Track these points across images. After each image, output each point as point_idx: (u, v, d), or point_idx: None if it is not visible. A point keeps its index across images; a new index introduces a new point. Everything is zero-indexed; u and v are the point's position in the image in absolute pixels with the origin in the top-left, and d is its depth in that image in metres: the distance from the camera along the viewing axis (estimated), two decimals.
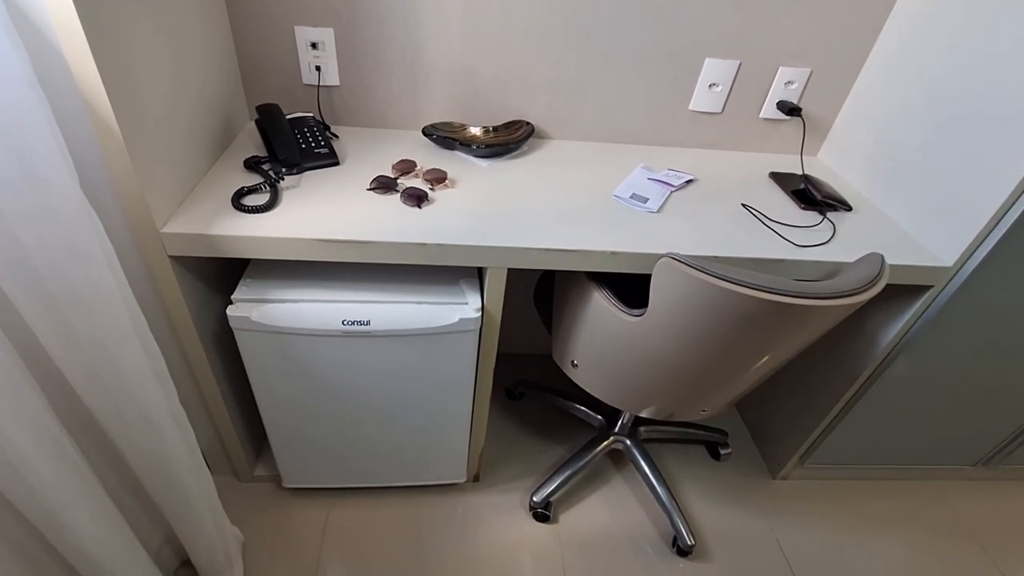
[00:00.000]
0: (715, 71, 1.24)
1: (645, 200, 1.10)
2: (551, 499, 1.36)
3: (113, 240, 0.85)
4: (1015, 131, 0.91)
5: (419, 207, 1.00)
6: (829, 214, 1.13)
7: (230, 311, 0.96)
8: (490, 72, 1.22)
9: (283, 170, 1.05)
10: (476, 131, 1.25)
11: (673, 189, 1.15)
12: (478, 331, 1.04)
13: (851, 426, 1.35)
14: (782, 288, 0.80)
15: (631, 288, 1.19)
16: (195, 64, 0.97)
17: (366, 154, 1.16)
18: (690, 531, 1.32)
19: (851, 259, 1.00)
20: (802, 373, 1.41)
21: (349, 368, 1.05)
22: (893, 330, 1.15)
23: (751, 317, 0.83)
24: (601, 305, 1.00)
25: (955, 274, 1.05)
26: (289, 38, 1.14)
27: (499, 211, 1.02)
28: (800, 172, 1.29)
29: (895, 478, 1.57)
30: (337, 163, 1.11)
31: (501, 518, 1.35)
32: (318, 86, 1.21)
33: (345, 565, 1.23)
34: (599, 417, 1.51)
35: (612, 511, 1.40)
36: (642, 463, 1.40)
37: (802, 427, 1.41)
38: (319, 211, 0.96)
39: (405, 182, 1.07)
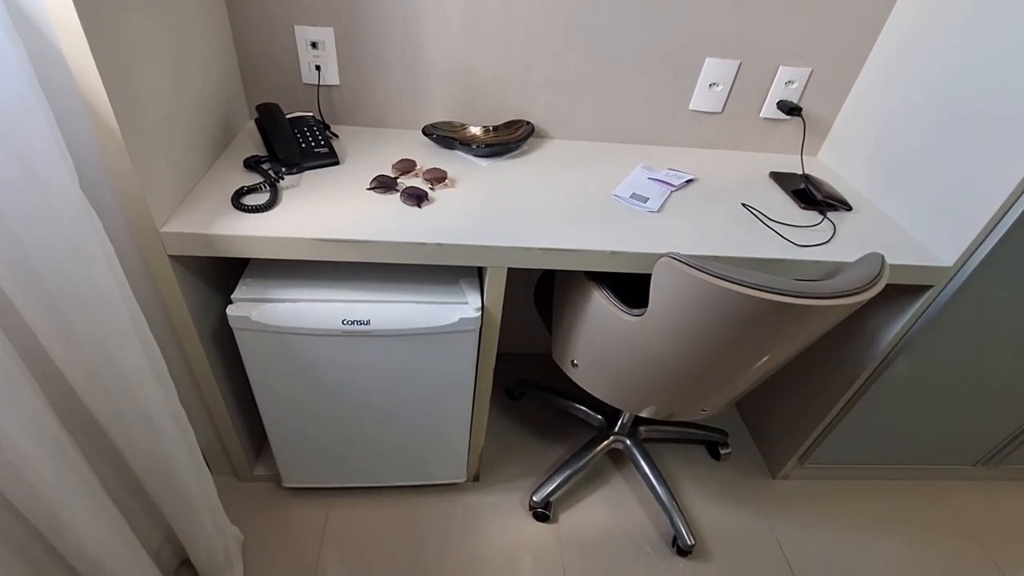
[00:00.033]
0: (715, 71, 1.24)
1: (645, 200, 1.10)
2: (551, 499, 1.36)
3: (113, 240, 0.85)
4: (1015, 131, 0.91)
5: (419, 207, 1.00)
6: (829, 214, 1.13)
7: (230, 311, 0.96)
8: (490, 72, 1.22)
9: (283, 169, 1.05)
10: (476, 131, 1.25)
11: (673, 189, 1.15)
12: (478, 331, 1.04)
13: (851, 426, 1.36)
14: (782, 288, 0.80)
15: (631, 288, 1.19)
16: (195, 64, 0.97)
17: (366, 153, 1.16)
18: (690, 531, 1.32)
19: (851, 259, 1.00)
20: (802, 373, 1.41)
21: (349, 368, 1.05)
22: (893, 330, 1.15)
23: (751, 317, 0.83)
24: (601, 305, 1.00)
25: (955, 274, 1.05)
26: (289, 37, 1.14)
27: (499, 211, 1.02)
28: (800, 172, 1.29)
29: (895, 478, 1.57)
30: (337, 162, 1.11)
31: (501, 518, 1.35)
32: (318, 85, 1.21)
33: (345, 565, 1.23)
34: (599, 417, 1.51)
35: (612, 511, 1.40)
36: (642, 463, 1.40)
37: (802, 427, 1.41)
38: (319, 211, 0.96)
39: (405, 182, 1.07)
